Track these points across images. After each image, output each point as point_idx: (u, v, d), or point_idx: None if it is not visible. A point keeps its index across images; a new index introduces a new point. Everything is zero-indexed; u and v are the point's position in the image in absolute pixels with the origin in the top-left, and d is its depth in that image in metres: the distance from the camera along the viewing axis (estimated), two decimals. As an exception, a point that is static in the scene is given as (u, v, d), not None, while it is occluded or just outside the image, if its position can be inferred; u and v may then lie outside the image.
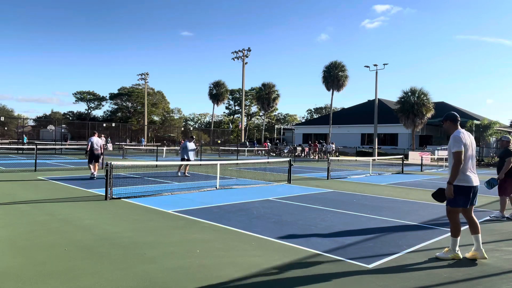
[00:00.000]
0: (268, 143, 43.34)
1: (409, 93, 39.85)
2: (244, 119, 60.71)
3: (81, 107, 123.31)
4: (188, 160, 15.46)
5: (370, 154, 37.64)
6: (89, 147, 14.16)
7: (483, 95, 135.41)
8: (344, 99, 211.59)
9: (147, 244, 5.51)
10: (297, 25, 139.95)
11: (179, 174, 15.50)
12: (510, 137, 8.34)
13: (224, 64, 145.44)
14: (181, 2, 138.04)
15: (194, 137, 16.39)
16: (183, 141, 17.75)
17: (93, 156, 14.11)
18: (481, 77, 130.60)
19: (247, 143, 47.79)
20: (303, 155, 38.80)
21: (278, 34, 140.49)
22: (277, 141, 54.83)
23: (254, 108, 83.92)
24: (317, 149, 37.29)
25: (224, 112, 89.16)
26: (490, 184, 7.77)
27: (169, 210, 8.19)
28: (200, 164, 19.65)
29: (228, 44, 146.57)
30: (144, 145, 44.78)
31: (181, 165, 15.74)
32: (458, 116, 5.40)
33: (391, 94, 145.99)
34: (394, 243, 5.95)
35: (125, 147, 32.67)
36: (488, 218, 8.28)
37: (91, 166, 14.07)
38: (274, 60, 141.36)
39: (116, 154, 31.82)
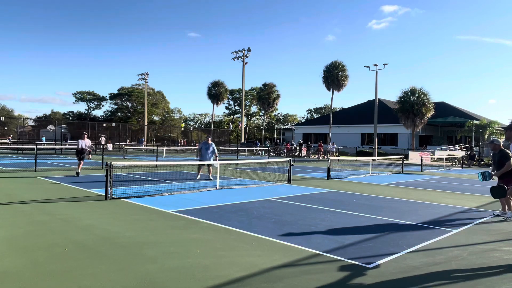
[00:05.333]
0: (290, 144, 42.30)
1: (409, 93, 39.82)
2: (244, 119, 60.71)
3: (81, 107, 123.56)
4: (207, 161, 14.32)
5: (370, 154, 37.63)
6: (78, 147, 15.12)
7: (485, 95, 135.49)
8: (344, 99, 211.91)
9: (147, 244, 5.51)
10: (303, 25, 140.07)
11: (211, 177, 14.36)
12: (500, 140, 8.38)
13: (225, 64, 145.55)
14: (180, 2, 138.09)
15: (209, 136, 15.16)
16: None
17: (79, 156, 15.07)
18: (481, 77, 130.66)
19: (263, 143, 47.78)
20: (302, 154, 38.73)
21: (280, 34, 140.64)
22: (277, 141, 54.74)
23: (254, 108, 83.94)
24: (321, 149, 37.25)
25: (224, 112, 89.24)
26: (484, 176, 7.70)
27: (169, 210, 8.20)
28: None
29: (229, 44, 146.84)
30: (144, 145, 44.75)
31: (201, 168, 14.73)
32: None
33: (391, 94, 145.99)
34: (394, 243, 5.95)
35: (125, 147, 32.64)
36: (488, 218, 8.28)
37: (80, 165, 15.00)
38: (274, 60, 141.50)
39: (116, 154, 31.80)
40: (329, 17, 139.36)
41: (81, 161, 14.98)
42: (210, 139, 14.77)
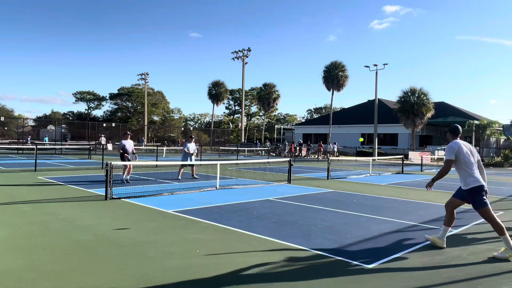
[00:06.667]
0: (294, 145, 41.81)
1: (409, 93, 39.82)
2: (244, 119, 60.72)
3: (81, 107, 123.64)
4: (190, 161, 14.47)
5: (370, 154, 37.62)
6: (121, 149, 13.34)
7: (485, 95, 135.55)
8: (344, 99, 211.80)
9: (147, 244, 5.51)
10: (304, 25, 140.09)
11: (180, 178, 14.19)
12: None
13: (225, 64, 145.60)
14: (181, 2, 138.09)
15: (193, 136, 15.20)
16: (183, 142, 17.05)
17: (123, 159, 13.26)
18: (482, 77, 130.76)
19: (263, 143, 47.80)
20: (302, 154, 38.68)
21: (281, 34, 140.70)
22: (279, 143, 54.68)
23: (254, 108, 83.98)
24: (321, 149, 37.25)
25: (224, 112, 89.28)
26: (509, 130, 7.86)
27: (169, 210, 8.19)
28: (200, 164, 19.62)
29: (229, 44, 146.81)
30: (144, 145, 44.74)
31: (181, 168, 14.56)
32: (459, 128, 5.83)
33: (391, 94, 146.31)
34: (394, 243, 5.95)
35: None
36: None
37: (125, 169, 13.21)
38: (274, 60, 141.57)
39: (116, 154, 31.77)
40: (330, 17, 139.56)
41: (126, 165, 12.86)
42: (194, 139, 15.07)
